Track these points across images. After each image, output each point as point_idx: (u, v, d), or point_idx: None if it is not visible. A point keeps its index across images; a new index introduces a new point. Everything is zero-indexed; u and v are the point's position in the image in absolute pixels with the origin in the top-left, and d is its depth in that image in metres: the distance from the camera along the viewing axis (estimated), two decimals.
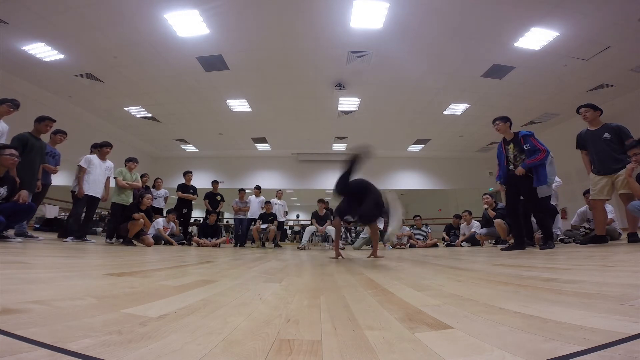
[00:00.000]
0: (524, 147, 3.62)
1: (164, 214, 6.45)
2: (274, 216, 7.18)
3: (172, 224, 6.13)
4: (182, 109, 8.69)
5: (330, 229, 6.81)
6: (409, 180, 12.75)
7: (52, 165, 4.61)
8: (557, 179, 5.15)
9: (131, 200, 5.14)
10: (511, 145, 3.75)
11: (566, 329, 0.55)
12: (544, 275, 1.32)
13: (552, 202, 4.99)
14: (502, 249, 3.87)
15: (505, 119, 3.78)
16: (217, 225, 6.95)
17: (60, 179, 6.07)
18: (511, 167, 3.74)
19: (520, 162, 3.64)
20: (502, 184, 3.88)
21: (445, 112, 8.77)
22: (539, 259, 2.20)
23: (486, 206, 5.73)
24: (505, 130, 3.78)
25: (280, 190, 8.23)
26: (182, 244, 6.12)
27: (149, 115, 9.05)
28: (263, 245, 7.07)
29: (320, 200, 7.15)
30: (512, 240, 5.09)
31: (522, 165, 3.57)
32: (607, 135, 3.52)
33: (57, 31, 5.43)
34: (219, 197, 7.22)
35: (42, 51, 5.99)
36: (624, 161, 3.40)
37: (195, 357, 0.46)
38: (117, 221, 4.94)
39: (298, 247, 6.52)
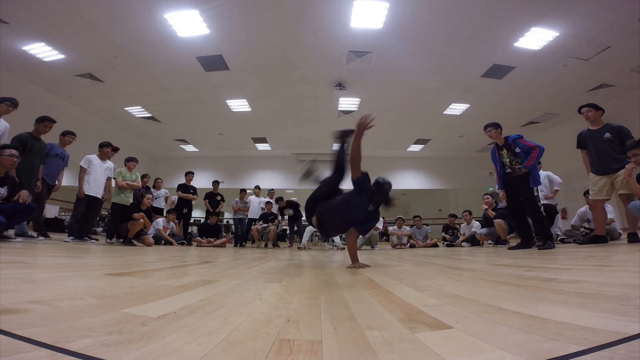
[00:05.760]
0: (515, 151, 3.70)
1: (164, 214, 6.45)
2: (274, 216, 7.18)
3: (172, 224, 6.13)
4: (182, 109, 8.69)
5: None
6: (409, 180, 12.74)
7: (61, 166, 4.69)
8: (557, 178, 5.16)
9: (131, 200, 5.14)
10: (504, 151, 3.82)
11: (566, 329, 0.55)
12: (544, 275, 1.32)
13: (552, 202, 5.00)
14: (509, 248, 3.93)
15: (497, 125, 3.85)
16: (218, 225, 6.95)
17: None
18: (508, 170, 3.79)
19: (517, 164, 3.69)
20: (501, 189, 3.94)
21: (445, 112, 8.77)
22: (539, 259, 2.20)
23: (486, 206, 5.72)
24: (497, 136, 3.85)
25: (272, 189, 8.22)
26: (182, 244, 6.12)
27: (149, 115, 9.05)
28: (265, 245, 7.06)
29: None
30: (510, 240, 5.10)
31: (522, 166, 3.61)
32: (607, 135, 3.52)
33: (57, 31, 5.43)
34: (219, 197, 7.22)
35: (42, 51, 5.99)
36: (623, 161, 3.39)
37: (195, 357, 0.46)
38: (117, 221, 4.94)
39: (298, 247, 6.51)
